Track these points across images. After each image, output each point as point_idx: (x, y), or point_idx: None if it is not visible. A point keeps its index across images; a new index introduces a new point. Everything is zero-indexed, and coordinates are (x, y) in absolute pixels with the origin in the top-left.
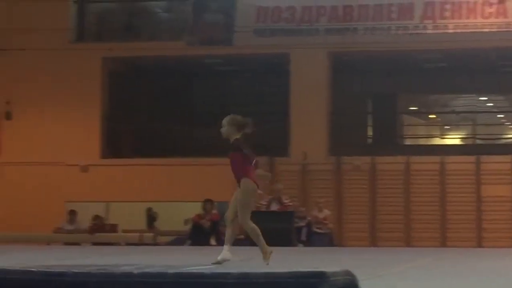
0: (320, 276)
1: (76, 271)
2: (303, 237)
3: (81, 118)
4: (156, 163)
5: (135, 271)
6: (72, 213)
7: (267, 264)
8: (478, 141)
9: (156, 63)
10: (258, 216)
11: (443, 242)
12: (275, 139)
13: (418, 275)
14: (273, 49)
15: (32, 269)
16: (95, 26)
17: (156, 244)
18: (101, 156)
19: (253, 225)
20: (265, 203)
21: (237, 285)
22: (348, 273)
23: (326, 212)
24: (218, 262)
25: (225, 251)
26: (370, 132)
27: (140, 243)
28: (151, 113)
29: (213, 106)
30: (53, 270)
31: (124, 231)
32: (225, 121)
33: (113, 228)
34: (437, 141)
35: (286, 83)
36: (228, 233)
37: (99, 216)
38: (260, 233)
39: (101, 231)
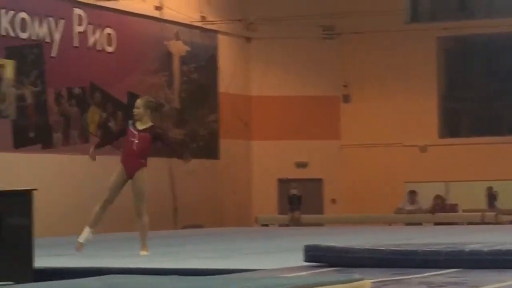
0: None
1: (426, 249)
2: None
3: (418, 98)
4: (495, 141)
5: (485, 249)
6: (412, 193)
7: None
8: None
9: (490, 41)
10: None
11: None
12: None
13: None
14: None
15: (381, 248)
16: (428, 6)
17: (497, 223)
18: (439, 136)
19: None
20: None
21: None
22: None
23: None
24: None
25: (87, 233)
26: None
27: (481, 222)
28: (487, 91)
29: None
30: (402, 249)
31: (464, 210)
32: (140, 102)
33: (453, 208)
34: None
35: None
36: (97, 215)
37: (440, 196)
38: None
39: (441, 211)
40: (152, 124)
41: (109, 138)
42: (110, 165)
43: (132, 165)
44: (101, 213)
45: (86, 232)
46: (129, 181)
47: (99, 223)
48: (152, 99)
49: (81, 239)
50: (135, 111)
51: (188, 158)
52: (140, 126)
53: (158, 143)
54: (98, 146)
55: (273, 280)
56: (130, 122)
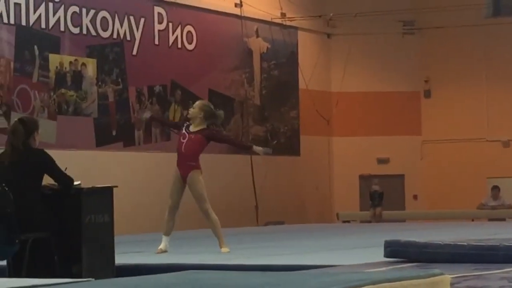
0: None
1: (508, 244)
2: None
3: (500, 93)
4: None
5: None
6: (495, 188)
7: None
8: None
9: None
10: None
11: None
12: None
13: None
14: None
15: (463, 243)
16: (510, 1)
17: None
18: None
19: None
20: None
21: None
22: None
23: None
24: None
25: (165, 241)
26: None
27: None
28: None
29: None
30: (484, 244)
31: None
32: (197, 103)
33: None
34: None
35: None
36: (168, 223)
37: None
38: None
39: None
40: (205, 127)
41: (165, 121)
42: None
43: (184, 168)
44: (170, 220)
45: (165, 241)
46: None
47: (172, 229)
48: (210, 105)
49: (162, 247)
50: (190, 110)
51: (257, 150)
52: (192, 129)
53: (218, 143)
54: (153, 118)
55: (352, 276)
56: (186, 124)
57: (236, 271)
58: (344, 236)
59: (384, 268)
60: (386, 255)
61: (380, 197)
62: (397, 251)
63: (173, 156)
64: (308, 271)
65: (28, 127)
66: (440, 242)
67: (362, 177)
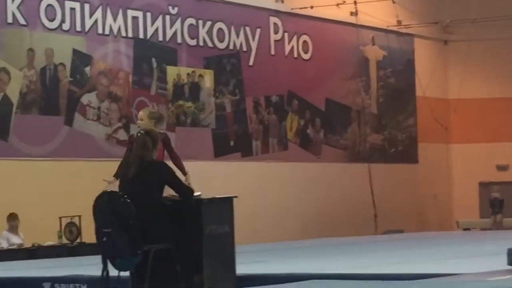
0: None
1: None
2: None
3: None
4: None
5: None
6: None
7: None
8: None
9: None
10: None
11: None
12: None
13: None
14: None
15: None
16: None
17: None
18: None
19: None
20: None
21: None
22: None
23: None
24: None
25: None
26: None
27: None
28: None
29: None
30: None
31: None
32: (142, 114)
33: None
34: None
35: None
36: None
37: None
38: None
39: None
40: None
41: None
42: (306, 171)
43: None
44: None
45: None
46: None
47: None
48: (154, 110)
49: None
50: (139, 122)
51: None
52: None
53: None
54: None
55: (476, 284)
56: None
57: (356, 281)
58: (465, 244)
59: (508, 276)
60: (509, 263)
61: (501, 204)
62: None
63: (291, 166)
64: (429, 280)
65: (153, 139)
66: None
67: (481, 184)
